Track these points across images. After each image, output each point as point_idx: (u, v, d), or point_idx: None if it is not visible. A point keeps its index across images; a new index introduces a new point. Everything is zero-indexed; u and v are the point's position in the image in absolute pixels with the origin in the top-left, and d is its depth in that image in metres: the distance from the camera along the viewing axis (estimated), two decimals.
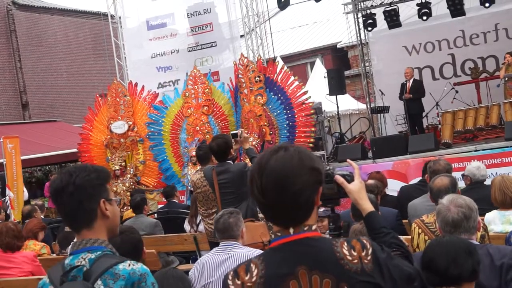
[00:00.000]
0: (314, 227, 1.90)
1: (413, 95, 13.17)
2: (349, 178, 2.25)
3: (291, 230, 1.88)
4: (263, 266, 1.88)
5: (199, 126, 11.83)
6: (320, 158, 12.69)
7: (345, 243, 1.86)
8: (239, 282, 1.90)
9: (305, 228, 1.88)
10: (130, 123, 12.60)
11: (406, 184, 9.23)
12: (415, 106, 13.32)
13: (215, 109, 12.05)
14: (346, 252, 1.84)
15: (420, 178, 6.97)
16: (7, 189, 11.72)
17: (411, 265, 2.09)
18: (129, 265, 2.11)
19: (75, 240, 2.26)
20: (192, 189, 7.42)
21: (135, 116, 12.74)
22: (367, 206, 2.26)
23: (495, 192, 4.58)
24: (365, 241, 1.89)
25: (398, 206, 6.02)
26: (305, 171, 1.86)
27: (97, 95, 13.37)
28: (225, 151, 5.88)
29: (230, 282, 1.92)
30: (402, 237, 4.17)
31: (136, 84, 13.05)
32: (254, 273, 1.88)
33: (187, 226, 7.69)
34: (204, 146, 7.20)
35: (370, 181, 6.04)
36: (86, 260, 2.11)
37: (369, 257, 1.85)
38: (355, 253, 1.84)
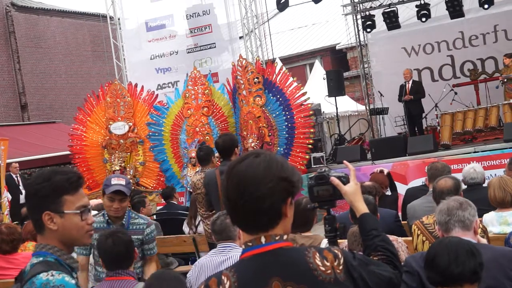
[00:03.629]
0: (285, 237, 1.87)
1: (413, 96, 13.20)
2: (345, 179, 2.25)
3: (263, 240, 1.85)
4: (235, 279, 1.84)
5: (198, 127, 11.82)
6: (320, 159, 12.68)
7: (317, 254, 1.84)
8: None
9: (277, 238, 1.85)
10: (131, 124, 12.58)
11: (410, 186, 9.21)
12: (415, 107, 13.36)
13: (215, 110, 12.04)
14: (319, 263, 1.82)
15: (424, 180, 6.93)
16: (5, 190, 11.71)
17: (393, 269, 2.06)
18: (47, 275, 2.04)
19: None
20: (191, 190, 7.41)
21: (135, 117, 12.73)
22: (362, 208, 2.25)
23: (494, 191, 4.54)
24: (336, 251, 1.87)
25: (403, 209, 6.00)
26: (270, 180, 1.82)
27: (88, 95, 13.33)
28: (230, 148, 5.91)
29: None
30: (401, 239, 4.20)
31: (136, 85, 13.05)
32: (227, 286, 1.84)
33: (185, 228, 7.68)
34: (205, 147, 7.20)
35: (368, 183, 6.03)
36: (29, 265, 2.13)
37: (341, 267, 1.83)
38: (328, 263, 1.82)
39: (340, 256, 1.86)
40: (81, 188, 2.23)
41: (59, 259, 2.15)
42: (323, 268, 1.81)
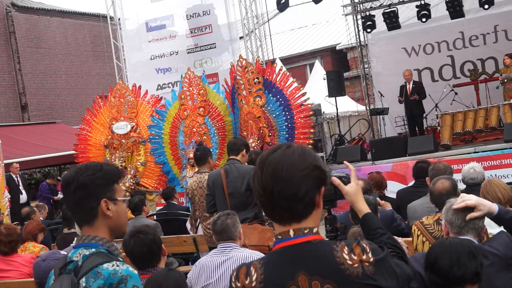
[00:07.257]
0: (315, 230, 1.88)
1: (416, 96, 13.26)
2: (346, 180, 2.25)
3: (291, 233, 1.86)
4: (262, 271, 1.87)
5: (195, 127, 11.81)
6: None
7: (346, 247, 1.84)
8: (239, 285, 1.90)
9: (306, 231, 1.86)
10: (133, 124, 12.56)
11: (403, 187, 9.18)
12: (417, 108, 13.38)
13: (211, 110, 12.03)
14: (346, 257, 1.82)
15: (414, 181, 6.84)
16: (5, 190, 11.70)
17: (407, 265, 2.10)
18: (113, 265, 2.10)
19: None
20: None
21: (138, 117, 12.72)
22: (363, 208, 2.26)
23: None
24: (364, 245, 1.87)
25: (397, 210, 5.99)
26: (305, 167, 1.86)
27: (97, 96, 13.33)
28: (239, 148, 5.97)
29: (233, 285, 1.93)
30: (401, 239, 4.20)
31: (140, 87, 13.04)
32: (254, 278, 1.87)
33: (189, 225, 7.67)
34: (202, 148, 7.20)
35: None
36: (80, 256, 2.16)
37: (371, 259, 1.83)
38: (355, 257, 1.82)
39: (368, 250, 1.85)
40: None
41: (109, 250, 2.21)
42: (350, 262, 1.82)
